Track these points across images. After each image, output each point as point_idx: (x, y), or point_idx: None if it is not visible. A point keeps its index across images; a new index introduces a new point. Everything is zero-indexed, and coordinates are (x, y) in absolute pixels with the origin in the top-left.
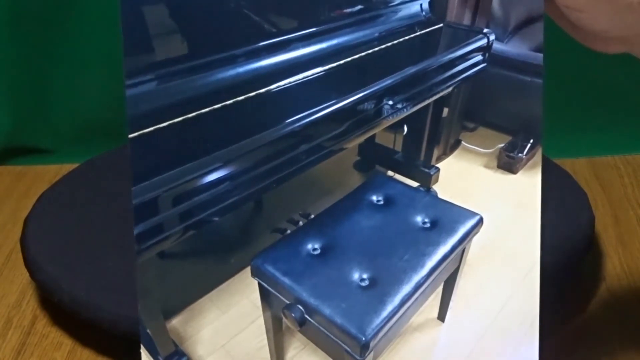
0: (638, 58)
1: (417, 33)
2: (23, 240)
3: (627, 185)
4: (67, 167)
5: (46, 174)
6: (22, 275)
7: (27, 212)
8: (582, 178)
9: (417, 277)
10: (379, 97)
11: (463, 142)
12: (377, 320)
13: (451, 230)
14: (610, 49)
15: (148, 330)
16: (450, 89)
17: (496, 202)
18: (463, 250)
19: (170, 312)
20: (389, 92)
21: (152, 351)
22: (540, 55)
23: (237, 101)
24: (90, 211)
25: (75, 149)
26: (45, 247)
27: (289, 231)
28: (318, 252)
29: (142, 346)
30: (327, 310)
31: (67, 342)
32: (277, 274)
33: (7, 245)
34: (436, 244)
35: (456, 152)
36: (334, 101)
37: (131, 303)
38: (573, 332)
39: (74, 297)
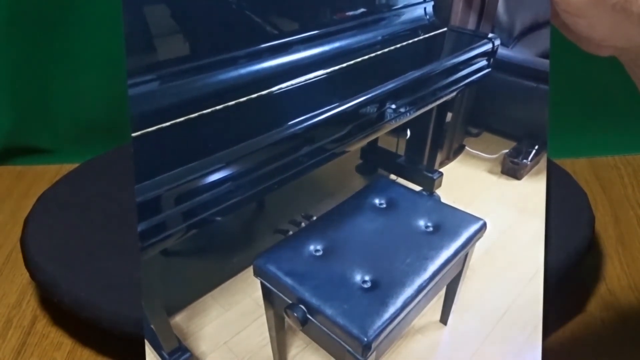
0: (624, 65)
1: (421, 37)
2: (23, 240)
3: (627, 185)
4: (67, 167)
5: (46, 174)
6: (22, 275)
7: (27, 212)
8: (582, 178)
9: (419, 280)
10: (381, 100)
11: (467, 147)
12: (379, 322)
13: (454, 235)
14: (602, 52)
15: (152, 326)
16: (454, 93)
17: (500, 207)
18: (466, 255)
19: (174, 308)
20: (392, 95)
21: (155, 346)
22: (546, 61)
23: (239, 102)
24: (90, 211)
25: (75, 149)
26: (45, 247)
27: (291, 232)
28: (320, 253)
29: (146, 341)
30: (329, 311)
31: (67, 342)
32: (280, 274)
33: (7, 245)
34: (439, 248)
35: (460, 157)
36: (337, 104)
37: (131, 303)
38: (573, 332)
39: (74, 297)
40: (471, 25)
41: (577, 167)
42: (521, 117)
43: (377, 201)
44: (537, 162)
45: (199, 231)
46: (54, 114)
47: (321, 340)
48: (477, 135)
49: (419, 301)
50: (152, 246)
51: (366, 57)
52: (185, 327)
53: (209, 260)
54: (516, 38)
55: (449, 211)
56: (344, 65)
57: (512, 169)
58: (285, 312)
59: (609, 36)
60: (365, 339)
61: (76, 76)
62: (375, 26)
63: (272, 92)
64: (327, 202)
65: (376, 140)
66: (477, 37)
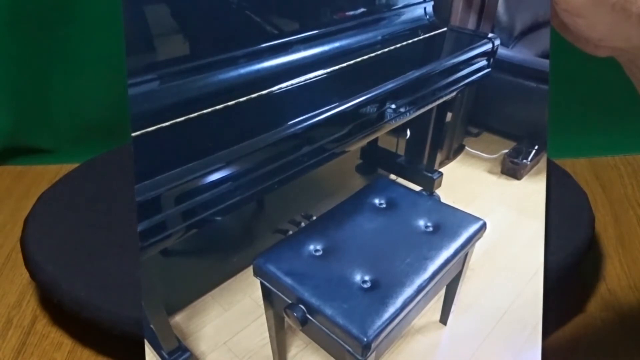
0: (622, 65)
1: (421, 37)
2: (23, 240)
3: (627, 185)
4: (67, 167)
5: (46, 174)
6: (22, 275)
7: (27, 212)
8: (582, 178)
9: (419, 280)
10: (381, 100)
11: (467, 147)
12: (379, 322)
13: (454, 235)
14: (600, 52)
15: (152, 326)
16: (454, 93)
17: (500, 207)
18: (466, 255)
19: (174, 308)
20: (392, 95)
21: (155, 346)
22: (546, 61)
23: (239, 102)
24: (90, 211)
25: (75, 149)
26: (45, 247)
27: (290, 232)
28: (320, 253)
29: (145, 341)
30: (328, 311)
31: (67, 342)
32: (279, 274)
33: (7, 245)
34: (439, 248)
35: (460, 157)
36: (337, 104)
37: (131, 303)
38: (573, 332)
39: (74, 297)
40: (471, 25)
41: (577, 167)
42: (521, 117)
43: (377, 201)
44: (537, 162)
45: (199, 231)
46: (54, 114)
47: (321, 340)
48: (477, 135)
49: (419, 301)
50: (152, 246)
51: (366, 57)
52: (185, 326)
53: (208, 260)
54: (516, 38)
55: (448, 211)
56: (344, 65)
57: (512, 169)
58: (285, 312)
59: (608, 36)
60: (365, 339)
61: (76, 76)
62: (375, 26)
63: (272, 91)
64: (327, 202)
65: (376, 140)
66: (477, 37)
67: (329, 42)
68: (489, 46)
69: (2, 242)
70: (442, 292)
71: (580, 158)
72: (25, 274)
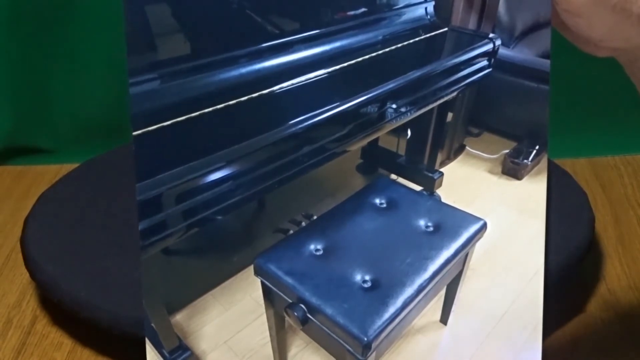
0: (622, 66)
1: (422, 37)
2: (23, 240)
3: (627, 185)
4: (67, 167)
5: (46, 174)
6: (22, 275)
7: (27, 212)
8: (582, 178)
9: (419, 280)
10: (382, 100)
11: (467, 147)
12: (379, 322)
13: (454, 235)
14: (600, 52)
15: (152, 325)
16: (455, 93)
17: (500, 207)
18: (466, 255)
19: (174, 307)
20: (393, 95)
21: (156, 345)
22: (547, 61)
23: (240, 102)
24: (90, 211)
25: (75, 149)
26: (45, 247)
27: (291, 231)
28: (320, 252)
29: (146, 339)
30: (329, 310)
31: (67, 342)
32: (280, 273)
33: (7, 245)
34: (439, 248)
35: (460, 157)
36: (337, 104)
37: (131, 303)
38: (573, 332)
39: (74, 297)
40: (472, 25)
41: (577, 167)
42: (522, 117)
43: (377, 201)
44: (538, 163)
45: (200, 230)
46: (54, 114)
47: (321, 340)
48: (477, 135)
49: (419, 301)
50: (153, 245)
51: (367, 56)
52: (185, 325)
53: (209, 259)
54: (517, 38)
55: (449, 211)
56: (345, 64)
57: (512, 169)
58: (285, 312)
59: (608, 36)
60: (365, 339)
61: (76, 76)
62: (376, 26)
63: (273, 91)
64: (328, 202)
65: (377, 139)
66: (478, 37)
67: (329, 42)
68: (489, 46)
69: (2, 242)
70: (443, 292)
71: (580, 158)
72: (25, 274)
